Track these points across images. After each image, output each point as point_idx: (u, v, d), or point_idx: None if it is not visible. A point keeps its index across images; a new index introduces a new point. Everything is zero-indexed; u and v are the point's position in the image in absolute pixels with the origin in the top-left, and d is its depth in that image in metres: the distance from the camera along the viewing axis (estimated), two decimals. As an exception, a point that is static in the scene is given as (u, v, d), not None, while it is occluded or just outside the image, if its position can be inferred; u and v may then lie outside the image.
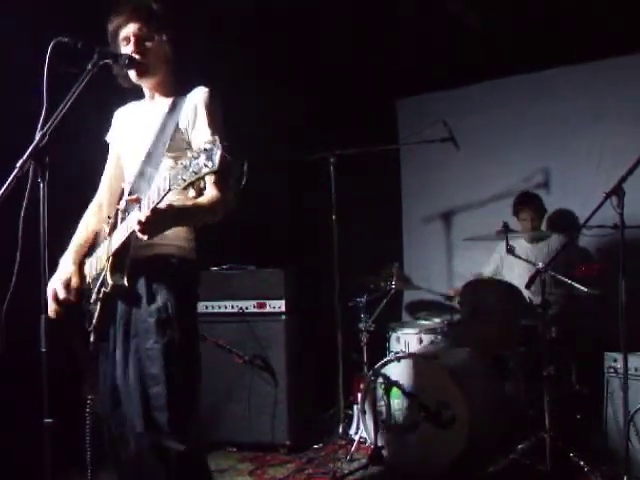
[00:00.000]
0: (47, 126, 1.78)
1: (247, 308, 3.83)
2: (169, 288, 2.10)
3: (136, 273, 2.09)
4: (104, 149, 2.44)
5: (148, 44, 2.15)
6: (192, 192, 1.70)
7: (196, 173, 1.64)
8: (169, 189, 1.73)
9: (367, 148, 3.98)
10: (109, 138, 2.42)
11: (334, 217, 3.84)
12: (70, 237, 2.32)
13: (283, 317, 3.80)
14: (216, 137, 1.64)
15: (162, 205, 1.82)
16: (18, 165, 1.74)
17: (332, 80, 4.73)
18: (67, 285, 2.19)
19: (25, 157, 1.74)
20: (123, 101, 2.40)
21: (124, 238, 1.99)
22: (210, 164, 1.61)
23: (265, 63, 4.19)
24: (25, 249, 1.80)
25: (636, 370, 3.03)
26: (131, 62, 2.09)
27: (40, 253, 1.74)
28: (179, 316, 2.09)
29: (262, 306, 3.83)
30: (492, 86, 5.06)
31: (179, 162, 1.69)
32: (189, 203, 1.98)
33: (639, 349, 3.05)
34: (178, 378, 2.07)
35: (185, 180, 1.66)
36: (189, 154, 1.67)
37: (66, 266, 2.24)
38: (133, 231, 1.90)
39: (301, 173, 4.36)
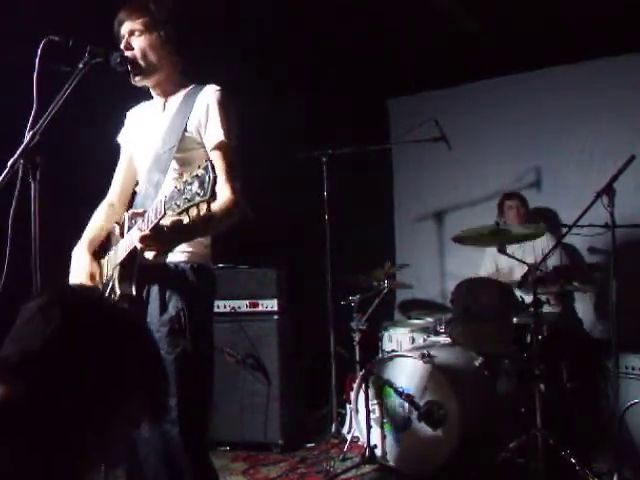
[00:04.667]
0: (38, 125, 1.77)
1: (239, 307, 3.83)
2: (182, 296, 2.04)
3: (148, 280, 2.06)
4: (109, 151, 2.42)
5: (141, 41, 2.09)
6: (186, 219, 1.65)
7: (189, 200, 1.60)
8: (164, 213, 1.70)
9: (359, 147, 3.99)
10: (120, 139, 2.39)
11: (326, 216, 3.84)
12: (66, 237, 2.31)
13: (275, 316, 3.80)
14: (208, 163, 1.58)
15: (166, 222, 1.78)
16: (9, 164, 1.73)
17: (324, 79, 4.73)
18: (92, 278, 2.15)
19: (16, 156, 1.73)
20: (129, 102, 2.38)
21: (129, 249, 1.95)
22: (202, 192, 1.56)
23: (261, 62, 4.19)
24: (16, 250, 1.78)
25: (626, 368, 3.05)
26: (122, 61, 2.06)
27: (32, 253, 1.73)
28: (192, 326, 2.03)
29: (254, 305, 3.83)
30: (484, 86, 5.09)
31: (175, 186, 1.66)
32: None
33: (630, 347, 3.08)
34: (190, 391, 2.02)
35: (179, 206, 1.62)
36: (184, 177, 1.62)
37: (83, 260, 2.19)
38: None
39: (293, 172, 4.35)
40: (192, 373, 2.03)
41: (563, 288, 3.56)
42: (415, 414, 3.22)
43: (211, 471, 2.12)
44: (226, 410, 3.68)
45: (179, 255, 2.09)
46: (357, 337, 3.82)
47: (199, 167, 1.59)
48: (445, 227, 5.25)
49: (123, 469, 2.29)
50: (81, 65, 1.89)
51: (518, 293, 3.63)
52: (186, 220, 1.66)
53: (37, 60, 1.81)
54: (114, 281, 2.03)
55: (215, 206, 1.92)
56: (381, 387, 3.35)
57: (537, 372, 3.14)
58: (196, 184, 1.57)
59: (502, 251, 3.41)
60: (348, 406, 3.82)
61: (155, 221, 1.76)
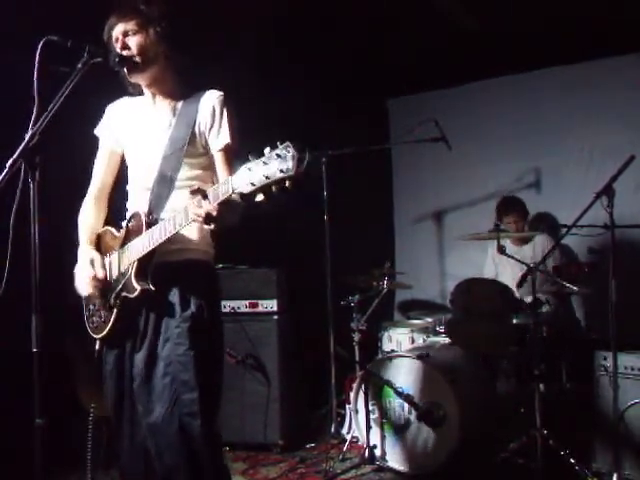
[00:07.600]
0: (37, 126, 1.77)
1: (239, 308, 3.83)
2: (201, 294, 2.10)
3: (167, 278, 2.08)
4: (94, 145, 2.41)
5: (137, 40, 2.10)
6: (260, 196, 1.65)
7: (268, 178, 1.60)
8: (232, 192, 1.70)
9: (359, 148, 3.99)
10: (99, 132, 2.37)
11: (326, 217, 3.84)
12: (62, 238, 2.30)
13: (275, 317, 3.80)
14: (288, 142, 1.60)
15: (235, 198, 1.79)
16: (8, 165, 1.72)
17: (324, 79, 4.73)
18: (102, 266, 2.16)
19: (15, 157, 1.72)
20: (111, 97, 2.38)
21: (161, 240, 1.97)
22: (286, 168, 1.57)
23: (261, 62, 4.19)
24: (16, 249, 1.79)
25: (625, 368, 3.04)
26: (121, 60, 2.07)
27: (31, 253, 1.73)
28: (210, 322, 2.11)
29: (254, 306, 3.83)
30: (484, 86, 5.09)
31: (243, 166, 1.66)
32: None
33: (629, 347, 3.07)
34: (210, 384, 2.08)
35: (254, 184, 1.62)
36: (255, 159, 1.62)
37: (92, 257, 2.18)
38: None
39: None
40: (210, 367, 2.09)
41: (562, 289, 3.56)
42: (414, 414, 3.22)
43: (225, 465, 2.17)
44: (226, 410, 3.61)
45: (195, 253, 2.14)
46: (357, 337, 3.82)
47: (275, 148, 1.60)
48: (445, 227, 5.25)
49: (119, 470, 2.29)
50: (80, 65, 1.89)
51: (517, 293, 3.64)
52: (260, 197, 1.66)
53: (36, 60, 1.81)
54: (130, 277, 2.05)
55: None
56: (381, 387, 3.36)
57: (536, 372, 3.14)
58: (276, 162, 1.58)
59: (501, 252, 3.41)
60: (348, 406, 3.82)
61: (221, 198, 1.76)
